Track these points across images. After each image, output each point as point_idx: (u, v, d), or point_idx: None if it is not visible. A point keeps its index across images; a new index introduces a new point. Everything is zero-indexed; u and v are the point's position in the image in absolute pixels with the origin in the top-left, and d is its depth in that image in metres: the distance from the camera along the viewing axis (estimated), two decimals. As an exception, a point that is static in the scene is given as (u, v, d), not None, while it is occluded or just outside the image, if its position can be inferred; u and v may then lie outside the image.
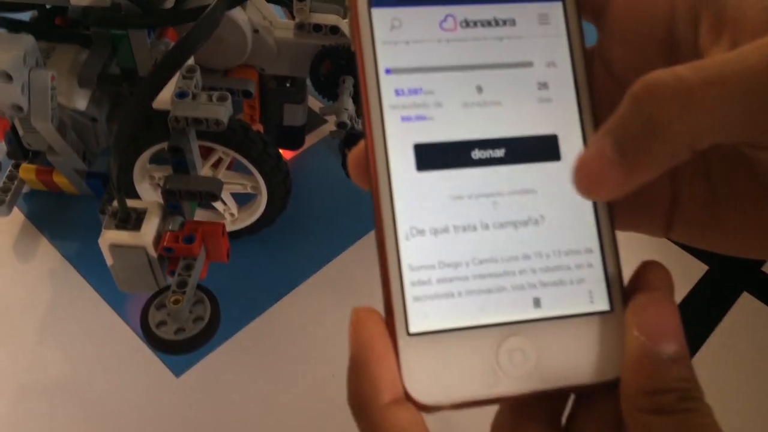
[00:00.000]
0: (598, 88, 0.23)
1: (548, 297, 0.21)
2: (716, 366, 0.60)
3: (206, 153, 0.58)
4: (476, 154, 0.22)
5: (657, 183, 0.22)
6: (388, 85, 0.21)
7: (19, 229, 0.66)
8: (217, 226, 0.52)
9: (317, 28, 0.60)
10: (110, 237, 0.49)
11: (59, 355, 0.58)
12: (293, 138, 0.72)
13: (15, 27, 0.55)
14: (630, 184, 0.18)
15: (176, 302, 0.49)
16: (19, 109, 0.49)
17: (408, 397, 0.20)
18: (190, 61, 0.53)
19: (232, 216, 0.64)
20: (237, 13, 0.58)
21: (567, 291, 0.21)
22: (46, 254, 0.65)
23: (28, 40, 0.49)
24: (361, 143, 0.21)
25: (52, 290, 0.62)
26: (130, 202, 0.50)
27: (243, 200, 0.64)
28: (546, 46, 0.22)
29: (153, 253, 0.50)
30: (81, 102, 0.56)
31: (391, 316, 0.20)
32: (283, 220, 0.65)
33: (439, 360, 0.20)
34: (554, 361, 0.20)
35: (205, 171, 0.58)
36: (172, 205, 0.52)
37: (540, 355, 0.21)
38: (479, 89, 0.22)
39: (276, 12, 0.63)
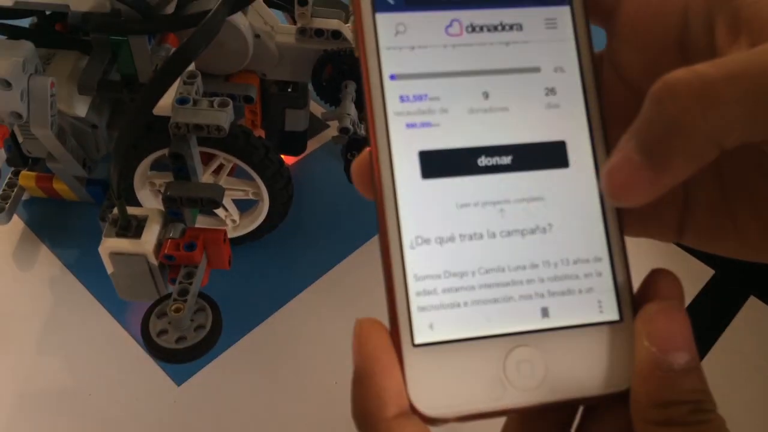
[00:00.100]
0: (609, 93, 0.22)
1: (556, 307, 0.21)
2: (723, 372, 0.59)
3: (207, 159, 0.58)
4: (482, 161, 0.21)
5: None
6: (392, 91, 0.21)
7: (19, 237, 0.66)
8: (218, 233, 0.52)
9: (319, 32, 0.60)
10: (110, 245, 0.49)
11: (59, 364, 0.58)
12: (295, 143, 0.72)
13: (15, 34, 0.55)
14: (660, 186, 0.18)
15: (177, 310, 0.49)
16: (19, 116, 0.49)
17: (414, 410, 0.19)
18: (191, 67, 0.53)
19: (233, 222, 0.64)
20: (238, 18, 0.57)
21: (575, 300, 0.21)
22: (46, 262, 0.64)
23: (27, 46, 0.48)
24: (365, 151, 0.21)
25: (52, 298, 0.62)
26: (131, 210, 0.50)
27: (245, 206, 0.64)
28: (553, 50, 0.22)
29: (154, 261, 0.49)
30: (81, 109, 0.55)
31: (395, 327, 0.20)
32: (285, 227, 0.64)
33: (445, 371, 0.20)
34: (563, 373, 0.20)
35: (206, 177, 0.58)
36: (173, 212, 0.52)
37: (548, 366, 0.20)
38: (486, 95, 0.22)
39: (277, 17, 0.62)
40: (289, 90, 0.67)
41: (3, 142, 0.59)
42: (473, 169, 0.21)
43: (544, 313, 0.21)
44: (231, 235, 0.63)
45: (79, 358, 0.58)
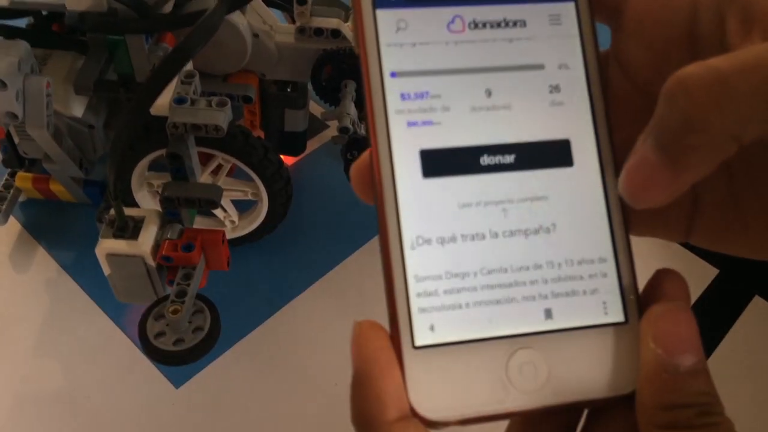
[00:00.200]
0: (616, 92, 0.22)
1: (560, 308, 0.20)
2: (728, 372, 0.58)
3: (206, 159, 0.58)
4: (485, 160, 0.21)
5: None
6: (393, 88, 0.21)
7: (16, 239, 0.65)
8: (216, 233, 0.51)
9: (318, 32, 0.60)
10: (107, 246, 0.48)
11: (56, 367, 0.57)
12: (294, 144, 0.71)
13: (10, 34, 0.54)
14: (679, 185, 0.18)
15: (175, 312, 0.48)
16: (14, 116, 0.49)
17: (414, 413, 0.19)
18: (189, 66, 0.52)
19: (232, 223, 0.63)
20: (236, 18, 0.57)
21: (580, 302, 0.21)
22: (43, 264, 0.64)
23: (22, 46, 0.48)
24: (364, 155, 0.21)
25: (49, 300, 0.61)
26: (128, 210, 0.49)
27: (243, 207, 0.63)
28: (558, 47, 0.22)
29: (151, 262, 0.49)
30: (77, 109, 0.55)
31: (395, 329, 0.20)
32: (284, 228, 0.64)
33: (446, 374, 0.19)
34: (567, 375, 0.20)
35: (204, 178, 0.58)
36: (170, 212, 0.51)
37: (552, 368, 0.20)
38: (488, 93, 0.21)
39: (276, 16, 0.62)
40: (289, 90, 0.67)
41: (-1, 142, 0.59)
42: (475, 168, 0.21)
43: (548, 314, 0.20)
44: (230, 236, 0.63)
45: (77, 361, 0.58)
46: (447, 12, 0.21)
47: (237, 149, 0.55)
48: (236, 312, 0.60)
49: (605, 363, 0.20)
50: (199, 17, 0.46)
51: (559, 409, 0.20)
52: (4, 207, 0.62)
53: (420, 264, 0.20)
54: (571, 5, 0.22)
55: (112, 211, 0.48)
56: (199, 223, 0.62)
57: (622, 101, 0.22)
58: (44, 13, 0.58)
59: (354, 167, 0.21)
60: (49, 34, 0.58)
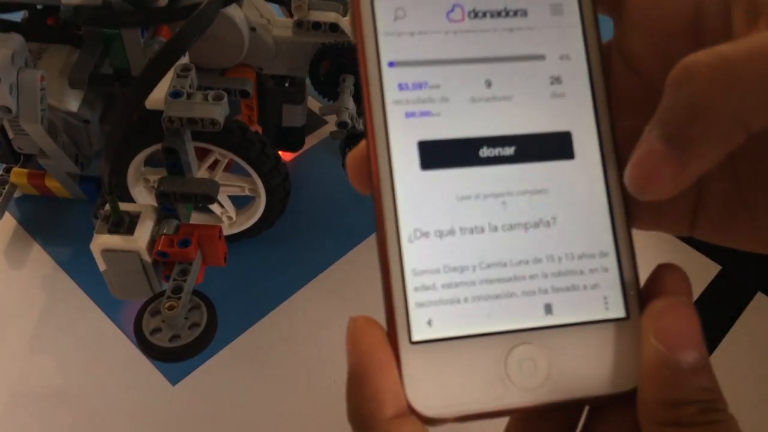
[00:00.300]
0: (619, 84, 0.21)
1: (560, 303, 0.20)
2: (730, 369, 0.58)
3: (203, 154, 0.57)
4: (484, 152, 0.21)
5: None
6: (391, 79, 0.20)
7: (11, 235, 0.65)
8: (213, 229, 0.51)
9: (316, 25, 0.59)
10: (102, 241, 0.48)
11: (52, 364, 0.57)
12: (293, 139, 0.71)
13: (4, 27, 0.54)
14: (687, 176, 0.17)
15: (171, 308, 0.48)
16: (7, 110, 0.48)
17: (411, 410, 0.19)
18: (185, 60, 0.52)
19: (229, 219, 0.63)
20: (233, 11, 0.56)
21: (580, 297, 0.20)
22: (39, 260, 0.63)
23: (16, 39, 0.48)
24: (361, 144, 0.20)
25: (45, 297, 0.61)
26: (123, 206, 0.49)
27: (241, 203, 0.63)
28: (559, 38, 0.21)
29: (147, 258, 0.48)
30: (72, 103, 0.54)
31: (392, 324, 0.19)
32: (282, 224, 0.64)
33: (444, 370, 0.19)
34: (567, 371, 0.19)
35: (201, 173, 0.57)
36: (166, 208, 0.51)
37: (552, 364, 0.20)
38: (488, 83, 0.21)
39: (274, 10, 0.61)
40: (287, 85, 0.66)
41: (-7, 138, 0.58)
42: (474, 160, 0.21)
43: (548, 309, 0.20)
44: (227, 232, 0.62)
45: (72, 358, 0.57)
46: (446, 1, 0.21)
47: (234, 144, 0.55)
48: (233, 308, 0.59)
49: (606, 359, 0.20)
50: (195, 10, 0.45)
51: (559, 406, 0.19)
52: (-1, 203, 0.61)
53: (417, 257, 0.20)
54: None
55: (108, 207, 0.48)
56: (197, 219, 0.62)
57: (624, 93, 0.22)
58: (39, 6, 0.57)
59: (350, 158, 0.21)
60: (44, 27, 0.57)
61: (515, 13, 0.21)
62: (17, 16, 0.57)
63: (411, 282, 0.19)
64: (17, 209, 0.67)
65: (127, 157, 0.56)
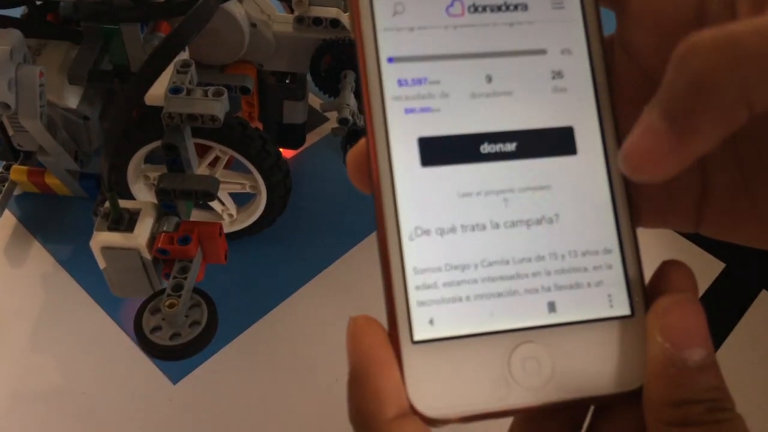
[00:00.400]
0: (622, 78, 0.21)
1: (564, 301, 0.20)
2: (735, 367, 0.58)
3: (203, 151, 0.57)
4: (485, 148, 0.20)
5: (686, 171, 0.20)
6: (390, 74, 0.20)
7: (11, 233, 0.65)
8: (213, 226, 0.50)
9: (317, 21, 0.59)
10: (102, 239, 0.47)
11: (52, 362, 0.56)
12: (294, 136, 0.70)
13: (3, 23, 0.53)
14: (686, 155, 0.17)
15: (171, 306, 0.48)
16: (6, 106, 0.48)
17: (414, 410, 0.18)
18: (185, 56, 0.51)
19: (230, 216, 0.62)
20: (233, 7, 0.56)
21: (584, 294, 0.20)
22: (39, 258, 0.63)
23: (15, 34, 0.47)
24: (361, 142, 0.20)
25: (45, 295, 0.60)
26: (123, 203, 0.48)
27: (242, 200, 0.62)
28: (560, 32, 0.21)
29: (147, 255, 0.48)
30: (72, 99, 0.54)
31: (393, 323, 0.19)
32: (283, 221, 0.63)
33: (446, 370, 0.19)
34: (571, 370, 0.19)
35: (202, 170, 0.57)
36: (166, 205, 0.50)
37: (556, 363, 0.19)
38: (489, 79, 0.21)
39: (274, 5, 0.61)
40: (287, 81, 0.66)
41: (-7, 135, 0.58)
42: (475, 157, 0.20)
43: (551, 307, 0.20)
44: (228, 229, 0.62)
45: (72, 356, 0.57)
46: None
47: (234, 140, 0.55)
48: (234, 306, 0.59)
49: (611, 358, 0.19)
50: (194, 6, 0.45)
51: (563, 406, 0.19)
52: (-2, 200, 0.61)
53: (419, 256, 0.19)
54: None
55: (107, 204, 0.48)
56: (197, 216, 0.62)
57: (627, 88, 0.21)
58: (38, 2, 0.57)
59: (350, 155, 0.21)
60: (43, 23, 0.57)
61: (516, 7, 0.21)
62: (17, 12, 0.57)
63: (412, 281, 0.19)
64: (17, 207, 0.67)
65: (127, 153, 0.56)
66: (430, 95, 0.20)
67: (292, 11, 0.60)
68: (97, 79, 0.53)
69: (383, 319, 0.19)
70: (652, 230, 0.22)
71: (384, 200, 0.19)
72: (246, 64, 0.61)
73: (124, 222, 0.48)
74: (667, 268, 0.20)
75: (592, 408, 0.21)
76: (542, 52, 0.21)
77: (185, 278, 0.49)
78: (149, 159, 0.58)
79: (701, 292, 0.63)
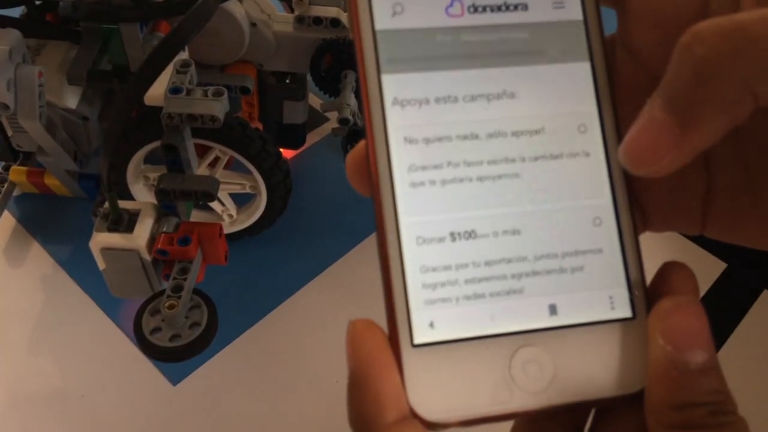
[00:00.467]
0: (624, 78, 0.21)
1: (565, 303, 0.20)
2: (736, 369, 0.57)
3: (203, 152, 0.57)
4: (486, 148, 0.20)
5: (691, 172, 0.20)
6: (389, 76, 0.20)
7: (10, 233, 0.65)
8: (213, 227, 0.50)
9: (317, 21, 0.58)
10: (101, 240, 0.47)
11: (51, 364, 0.56)
12: (294, 136, 0.70)
13: (2, 23, 0.53)
14: (687, 148, 0.17)
15: (171, 307, 0.47)
16: (5, 107, 0.48)
17: (414, 414, 0.18)
18: (185, 56, 0.51)
19: (230, 217, 0.62)
20: (233, 6, 0.56)
21: (585, 296, 0.20)
22: (38, 259, 0.63)
23: (13, 34, 0.47)
24: (359, 145, 0.20)
25: (44, 296, 0.60)
26: (123, 203, 0.48)
27: (242, 201, 0.62)
28: (561, 32, 0.21)
29: (146, 256, 0.48)
30: (71, 100, 0.54)
31: (393, 327, 0.19)
32: (283, 222, 0.63)
33: (446, 373, 0.19)
34: (573, 373, 0.19)
35: (201, 170, 0.57)
36: (166, 205, 0.50)
37: (557, 366, 0.19)
38: (489, 81, 0.21)
39: (274, 5, 0.61)
40: (287, 81, 0.65)
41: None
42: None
43: (552, 310, 0.20)
44: (228, 230, 0.62)
45: (72, 358, 0.57)
46: None
47: (234, 141, 0.54)
48: (234, 307, 0.59)
49: (612, 360, 0.19)
50: (193, 5, 0.45)
51: (564, 409, 0.19)
52: (-3, 201, 0.61)
53: (419, 259, 0.19)
54: None
55: (107, 205, 0.47)
56: (197, 217, 0.61)
57: (630, 88, 0.21)
58: (38, 2, 0.57)
59: (349, 158, 0.21)
60: (42, 23, 0.57)
61: (516, 8, 0.21)
62: (16, 12, 0.56)
63: (412, 284, 0.19)
64: (16, 207, 0.66)
65: (127, 154, 0.56)
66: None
67: (292, 11, 0.60)
68: (97, 79, 0.53)
69: (383, 320, 0.19)
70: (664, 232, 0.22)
71: (383, 203, 0.19)
72: (246, 64, 0.61)
73: (124, 223, 0.48)
74: (668, 269, 0.20)
75: (593, 411, 0.20)
76: (543, 52, 0.21)
77: (185, 279, 0.48)
78: (149, 159, 0.58)
79: (702, 293, 0.63)
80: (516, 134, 0.20)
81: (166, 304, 0.48)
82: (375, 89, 0.20)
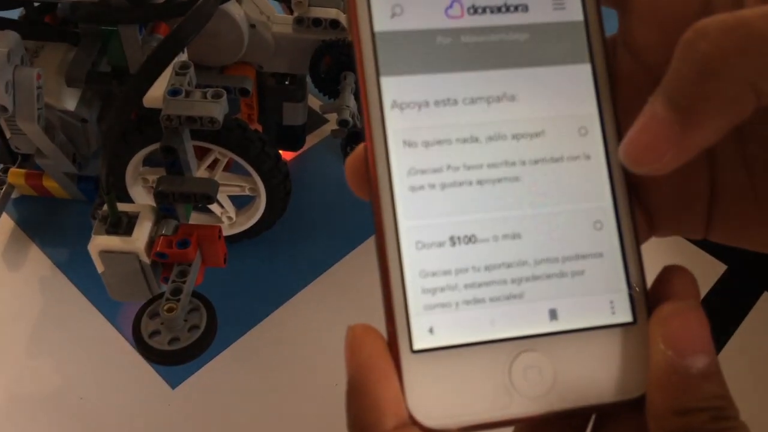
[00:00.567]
0: (626, 79, 0.21)
1: (565, 308, 0.20)
2: (737, 371, 0.57)
3: (202, 154, 0.56)
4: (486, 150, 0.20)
5: (695, 175, 0.20)
6: (389, 78, 0.20)
7: (9, 236, 0.64)
8: (213, 229, 0.50)
9: (316, 22, 0.58)
10: (100, 243, 0.47)
11: (49, 367, 0.56)
12: (293, 138, 0.70)
13: (1, 25, 0.53)
14: (688, 145, 0.16)
15: (170, 310, 0.47)
16: (4, 109, 0.47)
17: (413, 421, 0.18)
18: (184, 57, 0.51)
19: (229, 219, 0.62)
20: (232, 8, 0.56)
21: (586, 301, 0.20)
22: (37, 261, 0.63)
23: (12, 36, 0.47)
24: (358, 149, 0.20)
25: (42, 299, 0.60)
26: (122, 206, 0.48)
27: (241, 203, 0.62)
28: (562, 33, 0.21)
29: (145, 259, 0.48)
30: (70, 102, 0.54)
31: (393, 332, 0.19)
32: (283, 224, 0.63)
33: (446, 379, 0.19)
34: (573, 379, 0.19)
35: (201, 173, 0.56)
36: (165, 208, 0.50)
37: (557, 372, 0.19)
38: (490, 84, 0.20)
39: (273, 6, 0.61)
40: (287, 82, 0.65)
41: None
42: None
43: (553, 315, 0.20)
44: (227, 232, 0.62)
45: (70, 361, 0.56)
46: None
47: (234, 143, 0.54)
48: (233, 310, 0.58)
49: (613, 365, 0.19)
50: (193, 6, 0.45)
51: (565, 415, 0.19)
52: (-4, 203, 0.61)
53: (418, 264, 0.19)
54: None
55: (106, 207, 0.47)
56: (196, 219, 0.61)
57: (632, 88, 0.21)
58: (36, 4, 0.56)
59: (349, 161, 0.20)
60: (41, 25, 0.56)
61: (516, 9, 0.20)
62: (14, 14, 0.56)
63: (412, 289, 0.19)
64: (15, 210, 0.66)
65: (126, 156, 0.55)
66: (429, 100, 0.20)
67: (291, 12, 0.60)
68: (95, 81, 0.53)
69: (383, 324, 0.19)
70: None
71: (383, 208, 0.19)
72: (245, 66, 0.61)
73: (123, 225, 0.47)
74: (669, 273, 0.20)
75: (593, 417, 0.20)
76: (542, 53, 0.21)
77: (184, 282, 0.48)
78: (148, 161, 0.58)
79: (702, 295, 0.63)
80: (516, 137, 0.20)
81: (165, 307, 0.47)
82: (374, 91, 0.19)
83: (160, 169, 0.53)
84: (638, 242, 0.20)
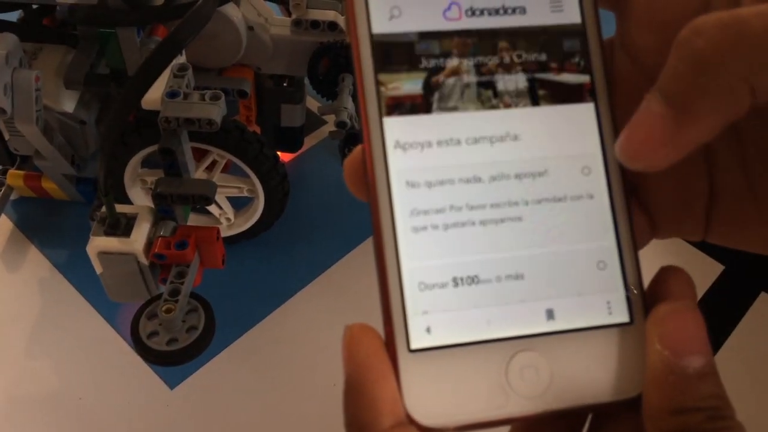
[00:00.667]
0: (624, 81, 0.21)
1: (562, 308, 0.20)
2: (734, 371, 0.57)
3: (200, 155, 0.57)
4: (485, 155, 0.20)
5: (694, 176, 0.20)
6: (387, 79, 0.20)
7: (8, 237, 0.64)
8: (211, 230, 0.50)
9: (315, 24, 0.58)
10: (99, 244, 0.47)
11: (49, 368, 0.56)
12: (291, 140, 0.70)
13: (0, 28, 0.53)
14: (683, 141, 0.16)
15: (168, 311, 0.47)
16: (2, 111, 0.48)
17: (410, 420, 0.18)
18: (182, 60, 0.51)
19: (228, 221, 0.62)
20: (231, 10, 0.56)
21: (583, 301, 0.20)
22: (35, 262, 0.63)
23: (10, 39, 0.47)
24: (356, 150, 0.20)
25: (41, 300, 0.60)
26: (120, 207, 0.48)
27: (240, 204, 0.62)
28: (559, 35, 0.21)
29: (144, 260, 0.48)
30: (68, 104, 0.54)
31: (390, 332, 0.19)
32: (281, 225, 0.63)
33: (443, 378, 0.19)
34: (570, 379, 0.19)
35: (199, 174, 0.57)
36: (163, 209, 0.50)
37: (554, 371, 0.19)
38: (487, 86, 0.20)
39: (272, 8, 0.61)
40: (285, 84, 0.65)
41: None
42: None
43: (550, 315, 0.20)
44: (225, 233, 0.62)
45: (69, 362, 0.57)
46: None
47: (232, 144, 0.54)
48: (232, 311, 0.59)
49: (610, 365, 0.19)
50: (191, 9, 0.45)
51: (561, 415, 0.19)
52: (-5, 205, 0.61)
53: (416, 264, 0.19)
54: None
55: (104, 208, 0.47)
56: (195, 220, 0.61)
57: (630, 91, 0.21)
58: (35, 6, 0.57)
59: (347, 163, 0.20)
60: (39, 27, 0.57)
61: (513, 11, 0.20)
62: (13, 16, 0.56)
63: (409, 289, 0.19)
64: (14, 211, 0.66)
65: (124, 158, 0.56)
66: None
67: (289, 14, 0.60)
68: (94, 83, 0.53)
69: (380, 324, 0.19)
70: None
71: (380, 208, 0.19)
72: (243, 68, 0.61)
73: (121, 227, 0.48)
74: (665, 274, 0.20)
75: (590, 416, 0.20)
76: (541, 55, 0.21)
77: (182, 283, 0.48)
78: (146, 163, 0.58)
79: (700, 295, 0.63)
80: (516, 135, 0.20)
81: (164, 308, 0.47)
82: (372, 94, 0.19)
83: (159, 170, 0.53)
84: (636, 244, 0.20)
